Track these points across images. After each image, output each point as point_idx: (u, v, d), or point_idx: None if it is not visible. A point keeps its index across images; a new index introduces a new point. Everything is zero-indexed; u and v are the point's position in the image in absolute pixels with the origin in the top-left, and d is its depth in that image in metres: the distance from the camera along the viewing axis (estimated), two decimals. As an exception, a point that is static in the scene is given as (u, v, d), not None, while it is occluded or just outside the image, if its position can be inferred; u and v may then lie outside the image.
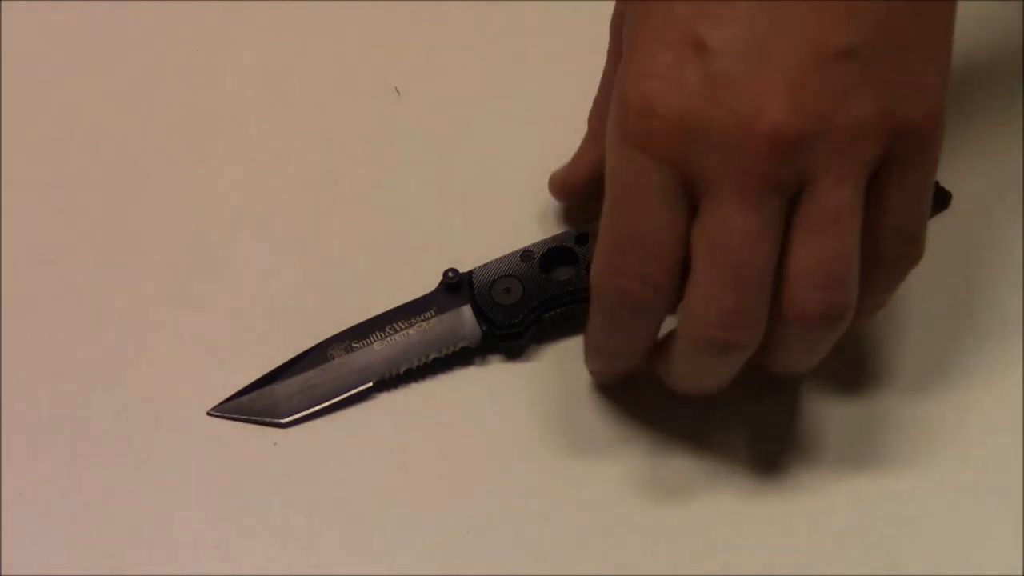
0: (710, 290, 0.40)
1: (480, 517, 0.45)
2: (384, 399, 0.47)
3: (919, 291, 0.49)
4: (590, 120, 0.48)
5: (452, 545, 0.45)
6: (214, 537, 0.45)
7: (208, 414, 0.47)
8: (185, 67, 0.55)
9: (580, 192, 0.49)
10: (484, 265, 0.48)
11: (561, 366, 0.48)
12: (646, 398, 0.47)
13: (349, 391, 0.47)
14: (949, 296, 0.50)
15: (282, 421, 0.46)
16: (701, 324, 0.40)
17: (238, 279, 0.50)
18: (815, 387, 0.47)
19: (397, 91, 0.54)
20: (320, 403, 0.47)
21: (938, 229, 0.44)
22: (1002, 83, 0.55)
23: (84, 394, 0.47)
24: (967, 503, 0.46)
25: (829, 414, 0.47)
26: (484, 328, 0.47)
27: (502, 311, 0.47)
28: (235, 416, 0.47)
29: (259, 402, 0.47)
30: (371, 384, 0.47)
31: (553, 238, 0.48)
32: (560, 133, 0.50)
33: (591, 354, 0.46)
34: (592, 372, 0.47)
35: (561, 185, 0.49)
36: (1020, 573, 0.44)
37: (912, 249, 0.42)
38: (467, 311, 0.48)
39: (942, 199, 0.51)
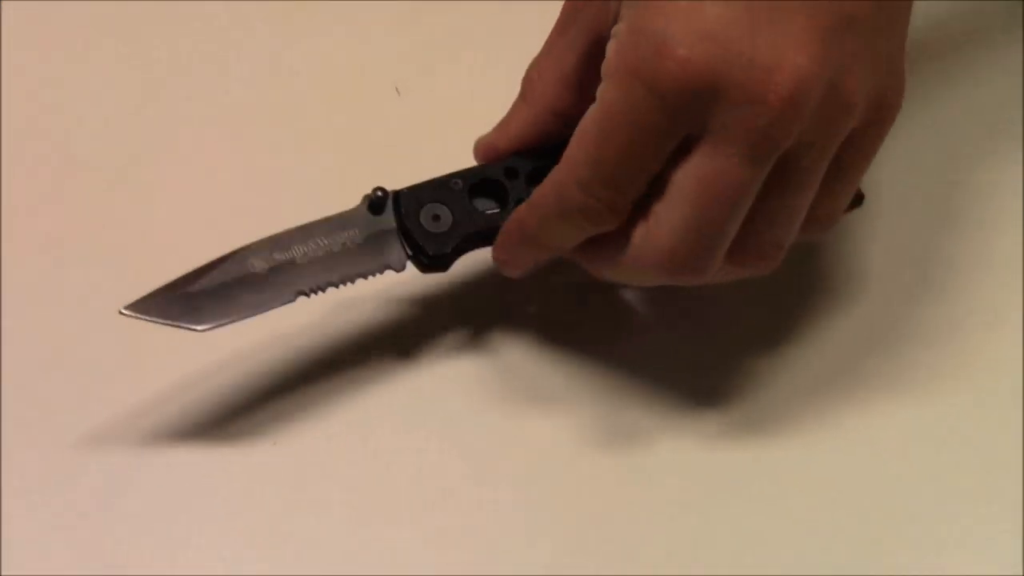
0: (685, 229, 0.41)
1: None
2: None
3: (914, 279, 0.50)
4: (525, 79, 0.47)
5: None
6: (214, 537, 0.45)
7: (120, 312, 0.44)
8: (185, 66, 0.55)
9: (503, 157, 0.47)
10: (410, 188, 0.46)
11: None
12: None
13: (271, 307, 0.45)
14: (947, 288, 0.50)
15: (198, 328, 0.44)
16: (666, 257, 0.41)
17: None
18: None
19: (397, 91, 0.54)
20: (241, 316, 0.45)
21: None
22: (1003, 83, 0.55)
23: (84, 394, 0.47)
24: (967, 497, 0.46)
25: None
26: (410, 254, 0.46)
27: (432, 240, 0.46)
28: (149, 318, 0.44)
29: (175, 305, 0.44)
30: (294, 300, 0.45)
31: (482, 167, 0.47)
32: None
33: (518, 243, 0.45)
34: (502, 261, 0.46)
35: (485, 149, 0.48)
36: (1020, 573, 0.44)
37: (834, 216, 0.44)
38: (393, 235, 0.46)
39: (856, 199, 0.48)
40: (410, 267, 0.46)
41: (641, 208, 0.42)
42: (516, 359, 0.48)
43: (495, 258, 0.46)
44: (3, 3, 0.56)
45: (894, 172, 0.51)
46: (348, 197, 0.51)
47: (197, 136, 0.53)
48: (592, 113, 0.41)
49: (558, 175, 0.43)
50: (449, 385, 0.48)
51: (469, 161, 0.52)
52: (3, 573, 0.44)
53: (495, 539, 0.45)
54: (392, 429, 0.47)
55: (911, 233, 0.52)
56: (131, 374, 0.48)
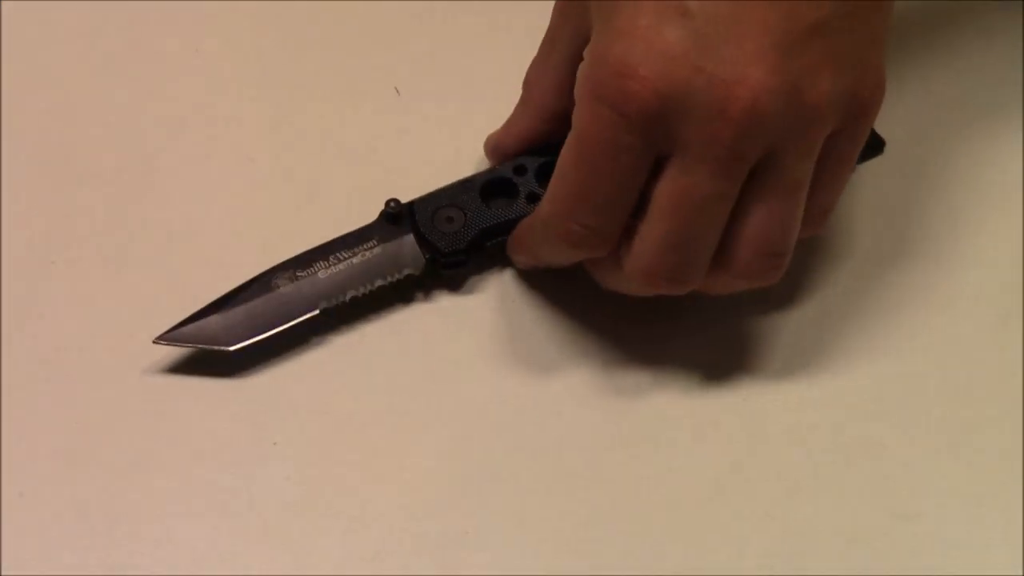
0: (664, 244, 0.42)
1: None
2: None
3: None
4: (525, 84, 0.49)
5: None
6: (214, 537, 0.45)
7: (154, 342, 0.46)
8: (185, 66, 0.55)
9: (511, 156, 0.49)
10: (425, 195, 0.49)
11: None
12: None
13: (296, 318, 0.47)
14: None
15: (230, 348, 0.46)
16: (649, 271, 0.43)
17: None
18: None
19: (397, 91, 0.54)
20: (268, 330, 0.46)
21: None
22: (1003, 84, 0.55)
23: (84, 395, 0.47)
24: (967, 503, 0.46)
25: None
26: (428, 256, 0.48)
27: (446, 238, 0.48)
28: (182, 343, 0.46)
29: (205, 330, 0.46)
30: (317, 311, 0.47)
31: (491, 170, 0.49)
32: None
33: (525, 253, 0.48)
34: (513, 260, 0.49)
35: (494, 149, 0.50)
36: (1020, 573, 0.44)
37: (827, 212, 0.44)
38: (409, 239, 0.48)
39: (877, 145, 0.51)
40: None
41: (628, 227, 0.43)
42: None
43: (515, 260, 0.49)
44: (3, 3, 0.56)
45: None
46: (348, 196, 0.52)
47: (197, 136, 0.53)
48: (568, 139, 0.42)
49: (545, 205, 0.44)
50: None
51: (468, 160, 0.52)
52: (3, 573, 0.44)
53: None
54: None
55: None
56: (130, 375, 0.48)
